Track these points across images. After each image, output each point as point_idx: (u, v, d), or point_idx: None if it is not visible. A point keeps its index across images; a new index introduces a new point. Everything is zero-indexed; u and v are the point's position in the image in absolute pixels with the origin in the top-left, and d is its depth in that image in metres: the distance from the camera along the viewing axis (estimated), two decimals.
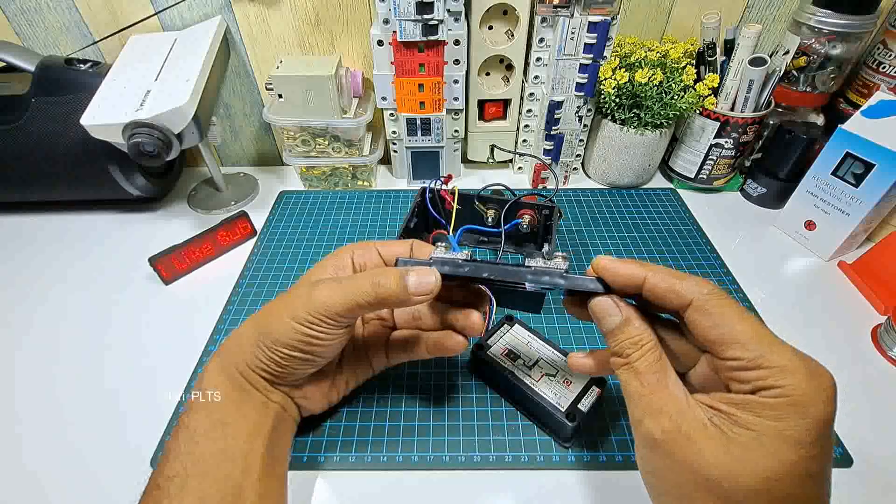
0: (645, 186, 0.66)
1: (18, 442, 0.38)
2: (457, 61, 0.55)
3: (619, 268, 0.27)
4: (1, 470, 0.37)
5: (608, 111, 0.58)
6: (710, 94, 0.54)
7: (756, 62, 0.52)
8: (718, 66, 0.56)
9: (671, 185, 0.66)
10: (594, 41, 0.51)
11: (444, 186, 0.52)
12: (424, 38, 0.52)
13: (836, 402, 0.22)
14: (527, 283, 0.30)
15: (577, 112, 0.58)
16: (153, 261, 0.50)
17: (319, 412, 0.37)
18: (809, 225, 0.55)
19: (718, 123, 0.57)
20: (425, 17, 0.50)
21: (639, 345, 0.26)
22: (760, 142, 0.62)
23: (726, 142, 0.58)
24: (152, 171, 0.60)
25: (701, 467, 0.23)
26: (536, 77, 0.58)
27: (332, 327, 0.30)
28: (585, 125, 0.62)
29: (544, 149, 0.61)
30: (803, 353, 0.23)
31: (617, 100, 0.56)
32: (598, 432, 0.38)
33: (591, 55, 0.53)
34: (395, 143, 0.64)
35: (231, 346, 0.33)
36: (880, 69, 0.56)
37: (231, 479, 0.28)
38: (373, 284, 0.29)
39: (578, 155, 0.66)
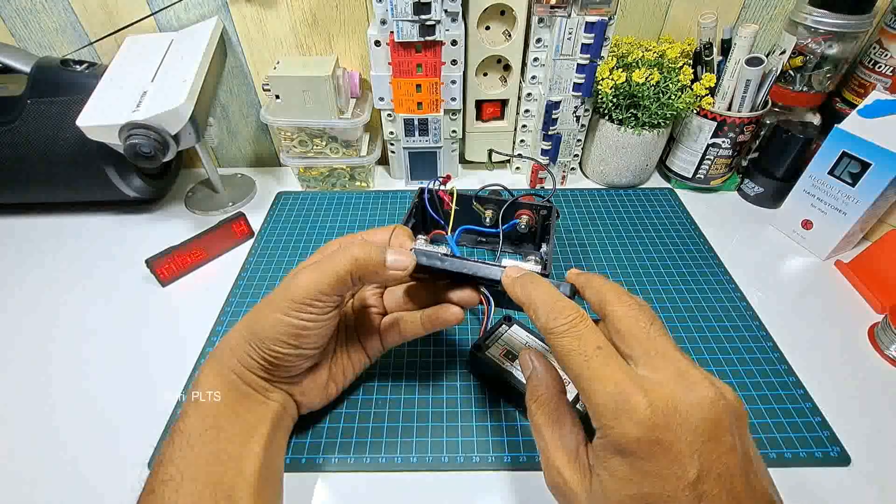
0: (642, 186, 0.66)
1: (12, 445, 0.38)
2: (454, 62, 0.55)
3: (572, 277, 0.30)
4: None
5: (605, 111, 0.58)
6: (706, 94, 0.54)
7: (753, 62, 0.52)
8: (715, 66, 0.56)
9: (669, 185, 0.66)
10: (591, 41, 0.51)
11: (442, 187, 0.52)
12: (422, 39, 0.52)
13: (645, 429, 0.21)
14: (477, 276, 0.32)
15: (574, 112, 0.58)
16: (150, 262, 0.50)
17: (319, 408, 0.37)
18: (806, 224, 0.55)
19: (715, 123, 0.57)
20: (422, 17, 0.50)
21: (538, 399, 0.27)
22: (757, 141, 0.62)
23: (723, 141, 0.58)
24: (149, 172, 0.60)
25: None
26: (534, 77, 0.58)
27: (318, 311, 0.30)
28: (583, 125, 0.62)
29: (542, 149, 0.61)
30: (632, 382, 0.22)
31: (614, 100, 0.56)
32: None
33: (589, 55, 0.53)
34: (392, 144, 0.64)
35: (223, 349, 0.33)
36: (876, 69, 0.56)
37: (225, 482, 0.28)
38: (350, 254, 0.30)
39: (576, 155, 0.66)
